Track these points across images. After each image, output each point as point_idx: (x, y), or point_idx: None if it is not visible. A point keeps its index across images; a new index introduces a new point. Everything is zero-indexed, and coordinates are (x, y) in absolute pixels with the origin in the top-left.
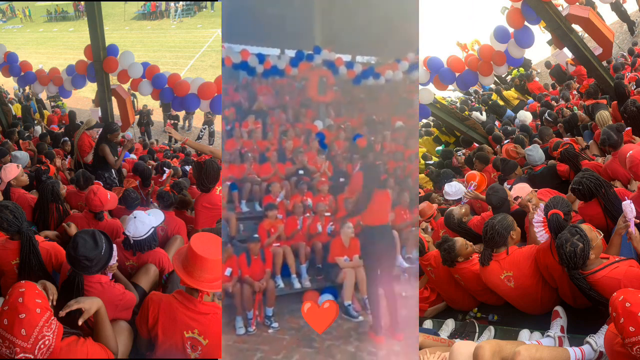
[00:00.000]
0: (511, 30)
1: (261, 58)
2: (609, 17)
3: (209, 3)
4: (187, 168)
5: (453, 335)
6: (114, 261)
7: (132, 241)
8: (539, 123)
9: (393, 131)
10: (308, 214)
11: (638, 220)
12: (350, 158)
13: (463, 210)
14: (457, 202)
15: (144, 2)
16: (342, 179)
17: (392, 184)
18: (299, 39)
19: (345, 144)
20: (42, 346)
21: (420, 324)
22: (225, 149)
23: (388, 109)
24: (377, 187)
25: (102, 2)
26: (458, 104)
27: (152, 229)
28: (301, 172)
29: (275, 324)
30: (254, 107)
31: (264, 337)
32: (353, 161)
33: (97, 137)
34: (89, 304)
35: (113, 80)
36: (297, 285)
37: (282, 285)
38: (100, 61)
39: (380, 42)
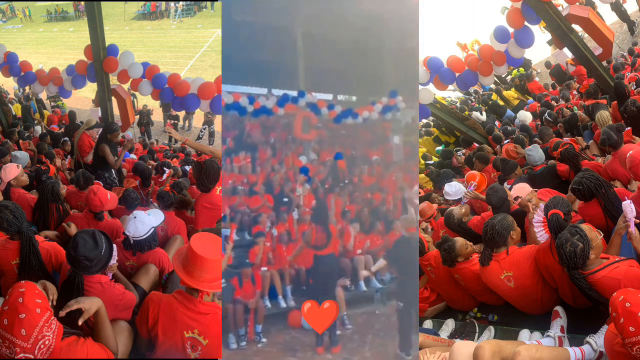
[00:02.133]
0: (511, 30)
1: (251, 99)
2: (609, 17)
3: (209, 3)
4: (187, 168)
5: (453, 335)
6: (114, 261)
7: (132, 241)
8: (539, 123)
9: (370, 164)
10: (293, 239)
11: (638, 220)
12: (331, 189)
13: (463, 210)
14: (457, 202)
15: (144, 2)
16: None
17: (366, 213)
18: (286, 82)
19: (325, 175)
20: (42, 346)
21: (420, 324)
22: (223, 183)
23: (365, 144)
24: (323, 222)
25: (102, 2)
26: (458, 104)
27: (152, 229)
28: (285, 199)
29: (263, 339)
30: (243, 142)
31: (254, 350)
32: (333, 192)
33: (97, 137)
34: (89, 304)
35: (113, 80)
36: (283, 304)
37: (269, 305)
38: (100, 61)
39: (357, 86)
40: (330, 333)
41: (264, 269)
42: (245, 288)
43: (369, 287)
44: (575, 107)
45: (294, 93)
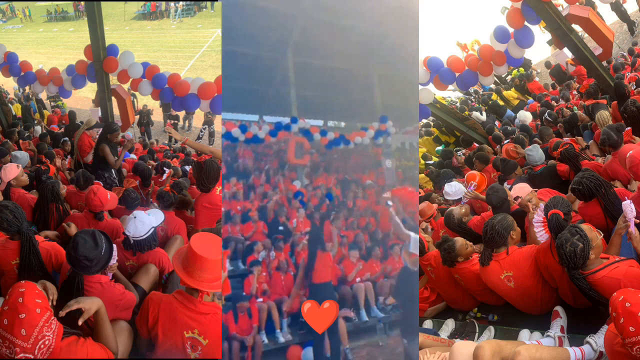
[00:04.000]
0: (511, 30)
1: (243, 128)
2: (609, 17)
3: (209, 3)
4: (187, 168)
5: (453, 335)
6: (114, 261)
7: (132, 241)
8: (539, 123)
9: (364, 188)
10: (290, 269)
11: (638, 220)
12: (328, 215)
13: (463, 210)
14: (457, 202)
15: (144, 2)
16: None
17: (361, 238)
18: (277, 109)
19: (321, 201)
20: (42, 346)
21: (420, 324)
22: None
23: (358, 169)
24: (320, 250)
25: (102, 2)
26: (458, 104)
27: (152, 229)
28: (281, 227)
29: None
30: (234, 167)
31: None
32: (330, 217)
33: (97, 137)
34: (89, 304)
35: (113, 80)
36: (282, 339)
37: (266, 340)
38: (100, 61)
39: (348, 112)
40: None
41: (259, 300)
42: (242, 322)
43: (371, 317)
44: (575, 107)
45: (287, 119)
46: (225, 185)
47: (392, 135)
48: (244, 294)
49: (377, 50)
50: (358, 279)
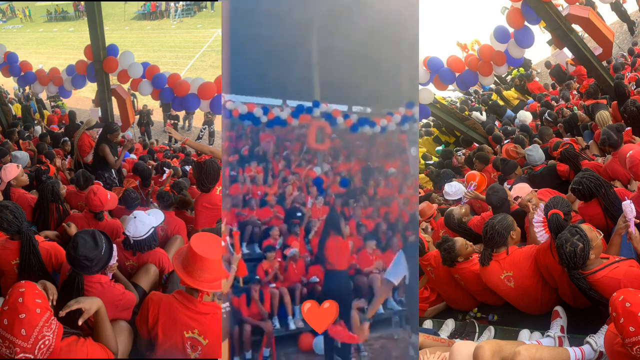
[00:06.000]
0: (511, 30)
1: (265, 110)
2: (609, 17)
3: (209, 3)
4: (187, 168)
5: (453, 335)
6: (114, 261)
7: (132, 241)
8: (539, 123)
9: (386, 177)
10: (305, 255)
11: (638, 220)
12: (347, 202)
13: (463, 210)
14: (457, 202)
15: (144, 2)
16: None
17: (383, 229)
18: (300, 93)
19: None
20: (42, 346)
21: (420, 324)
22: (230, 193)
23: (382, 156)
24: (334, 234)
25: (102, 2)
26: (458, 104)
27: (152, 229)
28: (299, 214)
29: None
30: (255, 153)
31: None
32: (349, 205)
33: (97, 137)
34: (89, 304)
35: (113, 80)
36: (293, 326)
37: (278, 326)
38: (100, 61)
39: (374, 97)
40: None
41: (272, 286)
42: (253, 307)
43: (386, 309)
44: (575, 107)
45: (309, 104)
46: (246, 168)
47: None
48: (257, 278)
49: (404, 33)
50: (375, 270)
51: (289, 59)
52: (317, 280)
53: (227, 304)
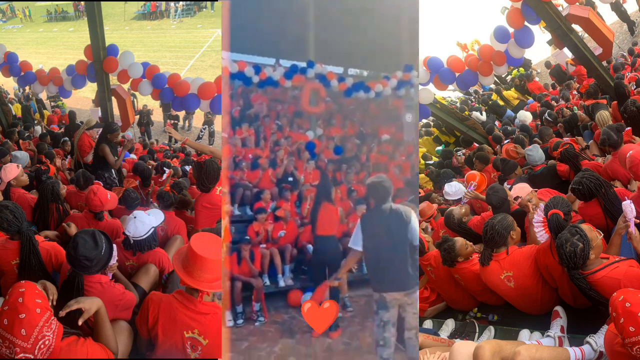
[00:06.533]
0: (511, 30)
1: (257, 69)
2: (609, 17)
3: (209, 3)
4: (187, 168)
5: (453, 335)
6: (114, 261)
7: (132, 241)
8: (539, 123)
9: (379, 143)
10: (296, 219)
11: (638, 220)
12: (339, 167)
13: (463, 210)
14: (457, 202)
15: (144, 2)
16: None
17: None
18: (294, 52)
19: (334, 153)
20: (42, 346)
21: (420, 324)
22: (224, 154)
23: (376, 121)
24: (325, 201)
25: (102, 2)
26: (458, 104)
27: (152, 229)
28: (290, 179)
29: (261, 318)
30: (247, 114)
31: (251, 329)
32: (341, 170)
33: (97, 137)
34: (89, 304)
35: (113, 80)
36: (282, 283)
37: (268, 283)
38: (100, 61)
39: (370, 59)
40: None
41: (263, 246)
42: (244, 266)
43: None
44: (575, 107)
45: (303, 64)
46: (237, 130)
47: (416, 87)
48: (248, 238)
49: None
50: None
51: (284, 15)
52: (307, 244)
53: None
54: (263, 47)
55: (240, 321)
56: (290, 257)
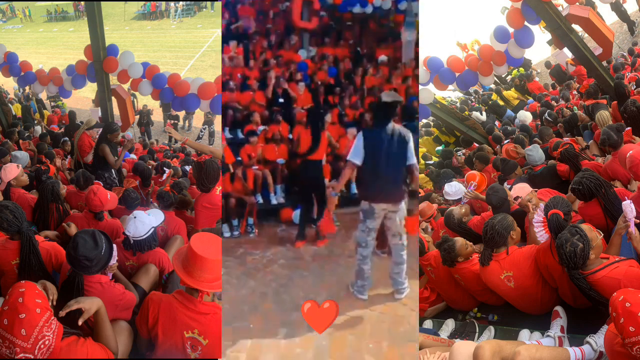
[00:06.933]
0: (511, 30)
1: None
2: (609, 17)
3: (209, 3)
4: (187, 168)
5: (453, 335)
6: (114, 261)
7: (132, 241)
8: (539, 123)
9: (376, 65)
10: (285, 141)
11: (638, 220)
12: (332, 90)
13: (463, 210)
14: (457, 202)
15: (144, 2)
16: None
17: (367, 119)
18: None
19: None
20: (42, 346)
21: (420, 324)
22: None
23: (373, 40)
24: (314, 127)
25: (102, 2)
26: (458, 104)
27: (152, 229)
28: (281, 100)
29: (255, 231)
30: (234, 28)
31: (246, 239)
32: (334, 94)
33: (97, 137)
34: (89, 304)
35: (113, 80)
36: (274, 201)
37: (261, 201)
38: (100, 61)
39: None
40: (317, 228)
41: (255, 167)
42: (237, 184)
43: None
44: (575, 107)
45: None
46: (224, 48)
47: None
48: (240, 159)
49: None
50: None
51: None
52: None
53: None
54: None
55: (236, 232)
56: (281, 177)
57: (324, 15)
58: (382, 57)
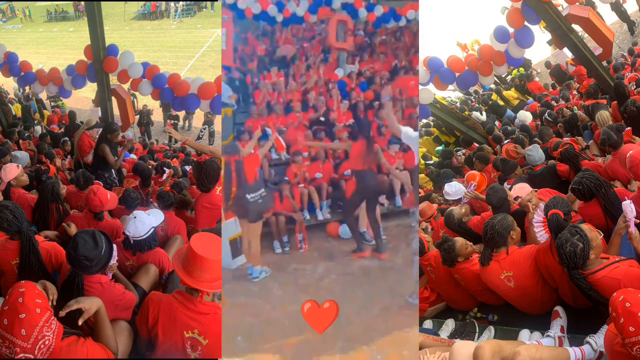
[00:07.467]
0: (511, 30)
1: (280, 6)
2: (609, 17)
3: (209, 3)
4: (187, 168)
5: (453, 335)
6: (114, 261)
7: (132, 241)
8: (539, 123)
9: (415, 74)
10: (329, 159)
11: (638, 220)
12: (370, 105)
13: (463, 210)
14: (457, 202)
15: (144, 2)
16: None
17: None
18: None
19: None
20: (42, 346)
21: (420, 324)
22: (256, 100)
23: (410, 52)
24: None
25: (102, 2)
26: (458, 104)
27: (152, 229)
28: (322, 119)
29: (305, 246)
30: (275, 57)
31: (296, 255)
32: (373, 108)
33: (97, 137)
34: (89, 304)
35: (113, 80)
36: (321, 217)
37: (308, 217)
38: (100, 61)
39: None
40: (377, 240)
41: (301, 185)
42: (286, 203)
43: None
44: (575, 107)
45: None
46: (266, 75)
47: None
48: (287, 179)
49: None
50: (397, 168)
51: None
52: (341, 180)
53: (261, 191)
54: None
55: (287, 249)
56: (326, 194)
57: (359, 34)
58: (418, 68)
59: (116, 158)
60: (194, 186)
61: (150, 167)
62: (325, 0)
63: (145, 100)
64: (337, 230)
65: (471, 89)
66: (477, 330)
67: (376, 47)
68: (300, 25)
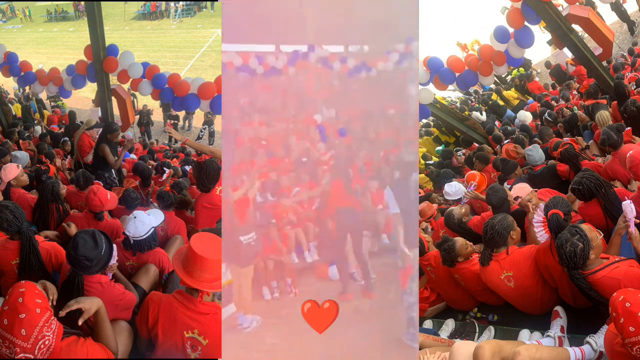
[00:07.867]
0: (511, 30)
1: (260, 59)
2: (609, 17)
3: (209, 3)
4: (187, 168)
5: (453, 335)
6: (114, 261)
7: (132, 241)
8: (539, 123)
9: (387, 119)
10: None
11: (638, 220)
12: (349, 147)
13: (463, 210)
14: (457, 202)
15: (144, 2)
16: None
17: (385, 169)
18: (293, 34)
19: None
20: (42, 346)
21: (420, 324)
22: (237, 147)
23: (381, 99)
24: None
25: (102, 2)
26: (458, 104)
27: (152, 229)
28: (304, 159)
29: (295, 290)
30: (256, 107)
31: (287, 299)
32: (351, 150)
33: (97, 137)
34: (89, 304)
35: (113, 80)
36: (309, 259)
37: (297, 260)
38: (100, 61)
39: (370, 35)
40: (365, 280)
41: (287, 227)
42: (274, 245)
43: (392, 240)
44: (575, 107)
45: (304, 48)
46: (248, 122)
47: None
48: (274, 222)
49: None
50: (379, 207)
51: None
52: (327, 219)
53: (253, 234)
54: (261, 34)
55: (276, 294)
56: (313, 234)
57: (334, 84)
58: (391, 111)
59: (116, 158)
60: (194, 186)
61: (150, 167)
62: (302, 54)
63: (145, 100)
64: (327, 272)
65: (471, 89)
66: (477, 330)
67: (350, 95)
68: (279, 76)
